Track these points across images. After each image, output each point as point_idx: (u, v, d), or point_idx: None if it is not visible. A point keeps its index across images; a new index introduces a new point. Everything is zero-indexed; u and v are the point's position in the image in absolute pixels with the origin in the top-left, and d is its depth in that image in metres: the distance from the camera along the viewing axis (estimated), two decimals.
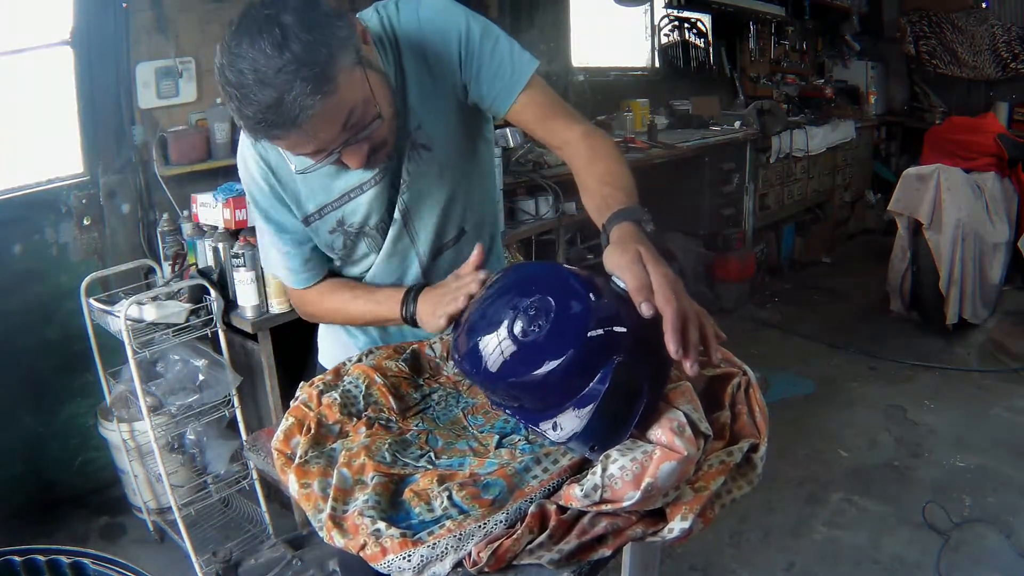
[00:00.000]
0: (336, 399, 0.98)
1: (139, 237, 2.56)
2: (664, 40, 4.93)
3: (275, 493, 2.42)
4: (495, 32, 1.09)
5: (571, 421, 0.79)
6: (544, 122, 1.13)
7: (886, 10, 6.37)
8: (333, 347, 1.36)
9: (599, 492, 0.75)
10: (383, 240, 1.18)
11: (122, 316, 2.00)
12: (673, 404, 0.82)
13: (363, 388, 1.01)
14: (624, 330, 0.79)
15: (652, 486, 0.73)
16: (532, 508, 0.77)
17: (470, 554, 0.75)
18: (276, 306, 2.16)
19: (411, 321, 1.09)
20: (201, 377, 2.22)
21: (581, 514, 0.77)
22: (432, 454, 0.89)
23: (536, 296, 0.83)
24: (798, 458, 2.81)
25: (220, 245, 2.23)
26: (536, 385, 0.80)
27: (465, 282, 0.98)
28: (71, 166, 2.47)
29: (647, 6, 4.78)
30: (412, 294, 1.09)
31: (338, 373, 1.07)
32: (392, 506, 0.80)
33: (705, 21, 5.11)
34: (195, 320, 2.15)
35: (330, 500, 0.82)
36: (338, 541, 0.78)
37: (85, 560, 0.84)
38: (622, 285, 0.80)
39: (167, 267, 2.43)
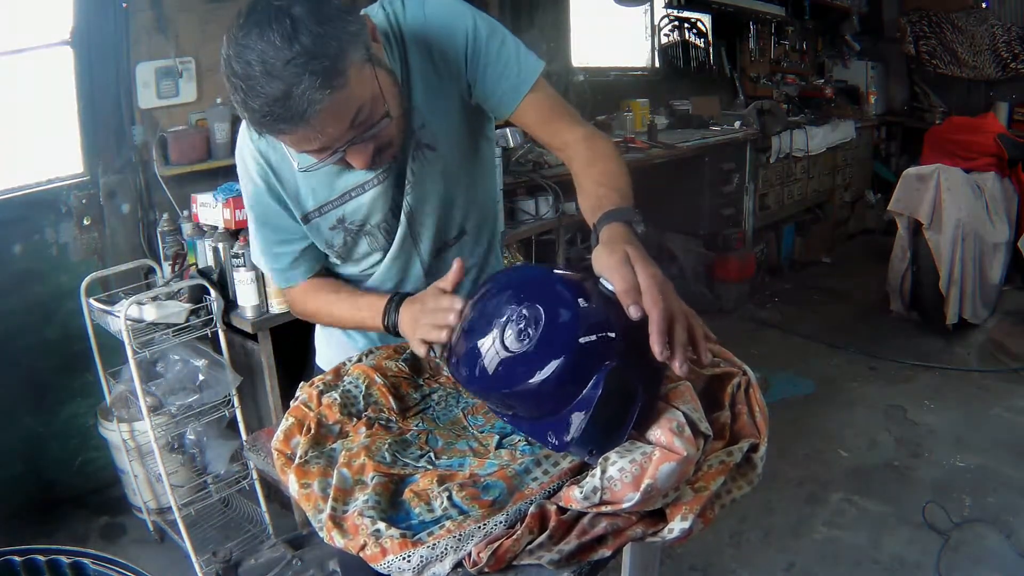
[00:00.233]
0: (336, 399, 0.98)
1: (139, 237, 2.56)
2: (664, 40, 4.93)
3: (275, 493, 2.42)
4: (501, 32, 1.09)
5: (566, 428, 0.79)
6: (547, 124, 1.12)
7: (886, 10, 6.37)
8: (330, 348, 1.35)
9: (599, 494, 0.75)
10: (386, 240, 1.17)
11: (122, 316, 2.00)
12: (672, 404, 0.82)
13: (363, 388, 1.01)
14: (614, 334, 0.79)
15: (652, 487, 0.73)
16: (532, 508, 0.77)
17: (470, 554, 0.75)
18: (276, 306, 2.16)
19: (393, 331, 1.06)
20: (201, 377, 2.22)
21: (581, 514, 0.77)
22: (432, 454, 0.89)
23: (525, 304, 0.82)
24: (798, 458, 2.81)
25: (220, 245, 2.23)
26: (529, 394, 0.80)
27: (443, 307, 0.94)
28: (71, 166, 2.47)
29: (647, 6, 4.78)
30: (394, 303, 1.07)
31: (338, 373, 1.07)
32: (392, 506, 0.80)
33: (705, 21, 5.11)
34: (195, 320, 2.15)
35: (330, 500, 0.82)
36: (338, 541, 0.78)
37: (85, 560, 0.84)
38: (610, 287, 0.79)
39: (167, 267, 2.43)
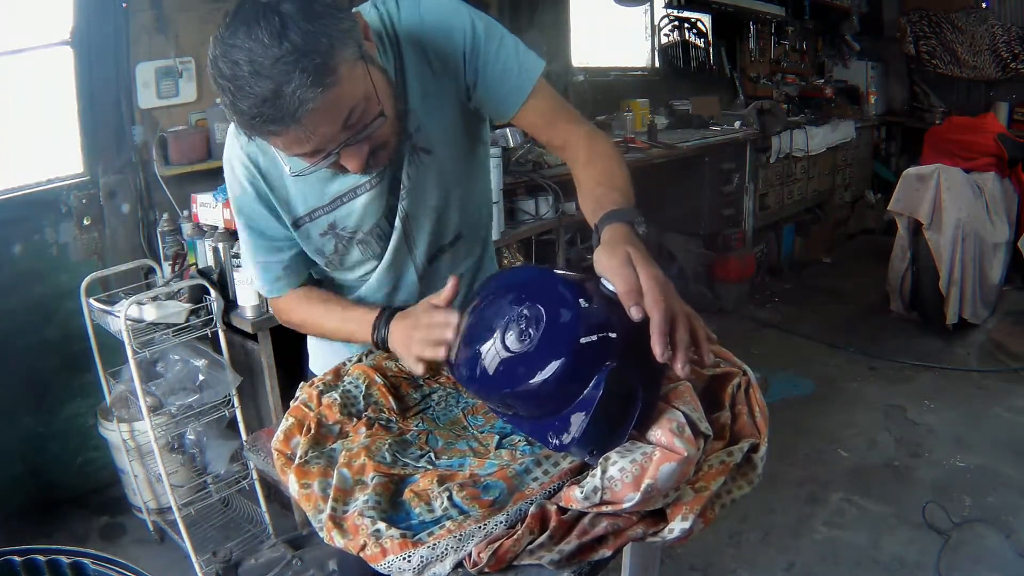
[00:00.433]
0: (336, 399, 0.98)
1: (139, 237, 2.56)
2: (664, 40, 4.92)
3: (275, 493, 2.42)
4: (500, 31, 1.06)
5: (567, 428, 0.79)
6: (547, 125, 1.11)
7: (886, 10, 6.37)
8: (323, 353, 1.32)
9: (599, 494, 0.75)
10: (380, 247, 1.14)
11: (122, 316, 2.00)
12: (673, 404, 0.82)
13: (363, 388, 1.01)
14: (615, 335, 0.78)
15: (652, 487, 0.73)
16: (532, 509, 0.77)
17: (470, 554, 0.75)
18: None
19: (383, 346, 1.04)
20: (201, 377, 2.22)
21: (581, 514, 0.77)
22: (432, 454, 0.89)
23: (526, 304, 0.82)
24: (798, 458, 2.81)
25: (220, 245, 2.23)
26: (530, 395, 0.80)
27: (438, 322, 0.92)
28: (71, 166, 2.47)
29: (647, 6, 4.78)
30: (384, 318, 1.04)
31: (338, 373, 1.07)
32: (392, 506, 0.80)
33: (705, 21, 5.11)
34: (195, 320, 2.15)
35: (330, 500, 0.82)
36: (338, 541, 0.78)
37: (85, 560, 0.84)
38: (612, 288, 0.79)
39: (167, 267, 2.43)
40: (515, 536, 0.75)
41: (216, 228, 2.29)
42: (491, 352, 0.82)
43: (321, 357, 1.32)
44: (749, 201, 4.39)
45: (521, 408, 0.84)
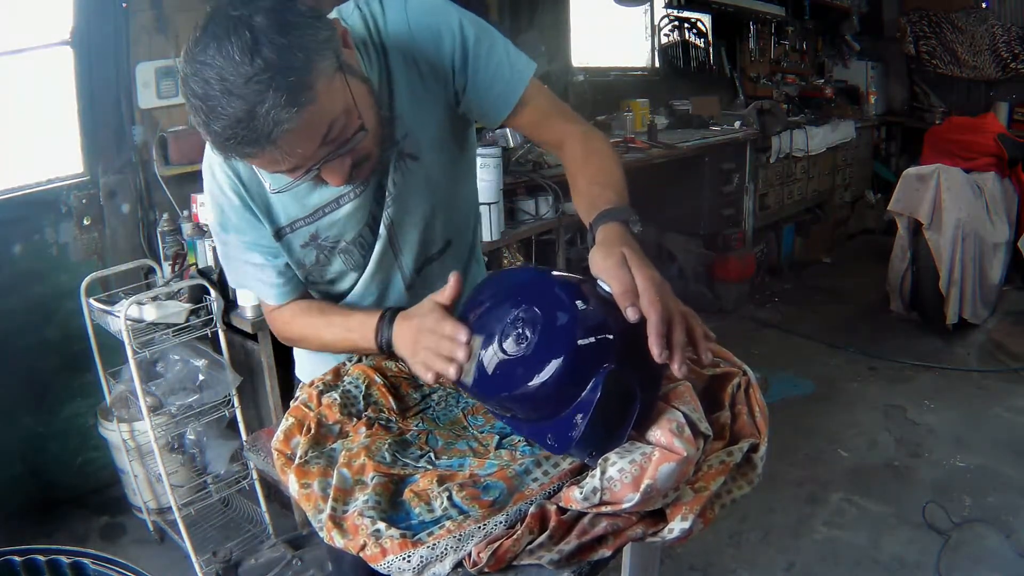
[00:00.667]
0: (336, 399, 0.98)
1: (139, 237, 2.56)
2: (664, 40, 4.93)
3: (275, 493, 2.42)
4: (490, 33, 1.03)
5: (566, 430, 0.79)
6: (541, 125, 1.09)
7: (886, 10, 6.36)
8: (310, 359, 1.28)
9: (598, 495, 0.75)
10: (364, 258, 1.10)
11: (122, 316, 2.00)
12: (672, 404, 0.82)
13: (363, 388, 1.01)
14: (612, 337, 0.78)
15: (651, 488, 0.73)
16: (532, 508, 0.77)
17: (470, 554, 0.75)
18: None
19: (387, 348, 0.99)
20: (201, 377, 2.22)
21: (581, 514, 0.77)
22: (432, 454, 0.89)
23: (523, 307, 0.82)
24: (798, 458, 2.81)
25: None
26: (528, 398, 0.80)
27: (447, 334, 0.87)
28: (71, 166, 2.47)
29: (647, 6, 4.78)
30: (387, 319, 1.00)
31: (338, 373, 1.06)
32: (392, 506, 0.80)
33: (705, 21, 5.11)
34: (195, 320, 2.15)
35: (330, 500, 0.82)
36: (338, 541, 0.78)
37: (85, 560, 0.84)
38: (607, 289, 0.79)
39: (167, 267, 2.43)
40: (515, 536, 0.75)
41: None
42: (489, 355, 0.82)
43: (308, 364, 1.29)
44: (749, 201, 4.39)
45: (519, 411, 0.84)
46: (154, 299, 2.12)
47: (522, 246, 2.99)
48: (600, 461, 0.77)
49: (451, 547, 0.74)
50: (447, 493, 0.79)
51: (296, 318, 1.13)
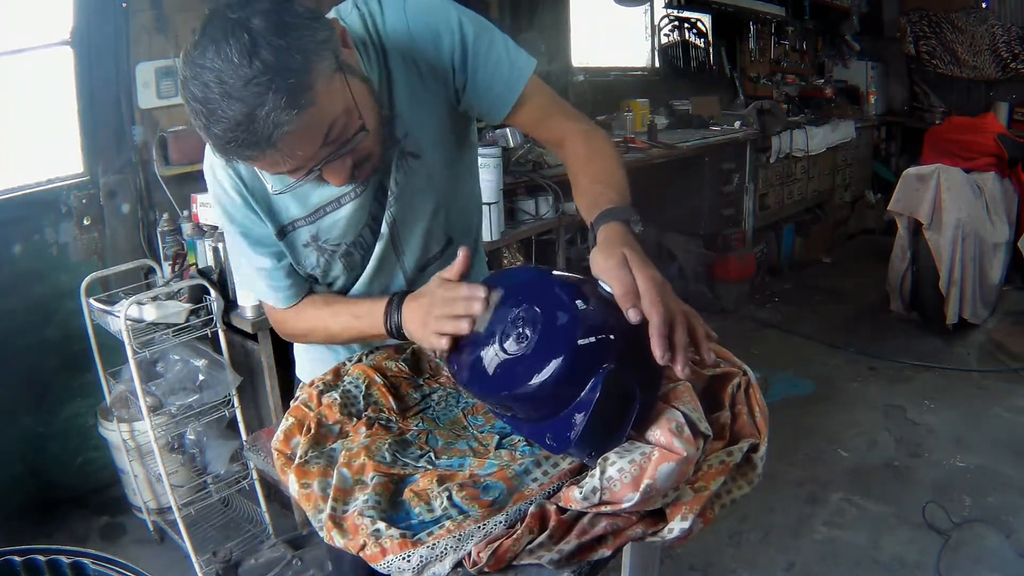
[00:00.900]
0: (336, 399, 0.98)
1: (139, 237, 2.56)
2: (664, 40, 4.93)
3: (275, 493, 2.42)
4: (490, 31, 1.03)
5: (565, 430, 0.79)
6: (542, 123, 1.09)
7: (886, 10, 6.37)
8: (311, 360, 1.28)
9: (598, 495, 0.75)
10: (364, 258, 1.10)
11: (122, 316, 2.00)
12: (672, 404, 0.82)
13: (363, 388, 1.01)
14: (613, 337, 0.78)
15: (651, 487, 0.73)
16: (532, 508, 0.77)
17: (470, 554, 0.75)
18: None
19: (397, 332, 0.99)
20: (201, 377, 2.22)
21: (581, 514, 0.77)
22: (432, 454, 0.89)
23: (524, 306, 0.82)
24: (798, 458, 2.81)
25: (220, 245, 2.23)
26: (528, 397, 0.80)
27: (461, 295, 0.88)
28: (71, 166, 2.47)
29: (647, 6, 4.78)
30: (395, 302, 1.00)
31: (338, 373, 1.06)
32: (392, 506, 0.80)
33: (705, 21, 5.11)
34: (195, 320, 2.15)
35: (330, 500, 0.82)
36: (338, 541, 0.78)
37: (85, 560, 0.84)
38: (609, 290, 0.79)
39: (167, 267, 2.43)
40: (515, 536, 0.75)
41: (216, 228, 2.29)
42: (489, 354, 0.83)
43: (308, 363, 1.29)
44: (749, 201, 4.39)
45: (519, 410, 0.84)
46: (154, 299, 2.12)
47: (522, 246, 2.99)
48: (600, 461, 0.77)
49: (451, 547, 0.74)
50: (447, 493, 0.79)
51: (301, 312, 1.13)
